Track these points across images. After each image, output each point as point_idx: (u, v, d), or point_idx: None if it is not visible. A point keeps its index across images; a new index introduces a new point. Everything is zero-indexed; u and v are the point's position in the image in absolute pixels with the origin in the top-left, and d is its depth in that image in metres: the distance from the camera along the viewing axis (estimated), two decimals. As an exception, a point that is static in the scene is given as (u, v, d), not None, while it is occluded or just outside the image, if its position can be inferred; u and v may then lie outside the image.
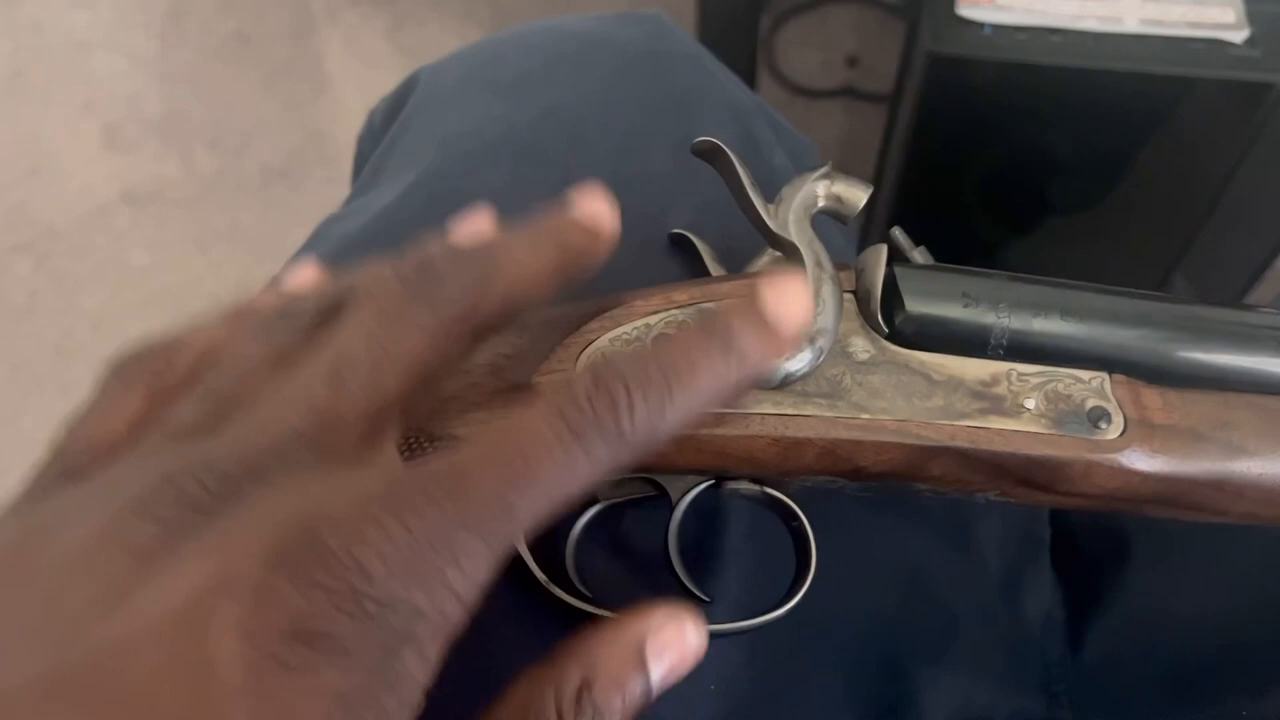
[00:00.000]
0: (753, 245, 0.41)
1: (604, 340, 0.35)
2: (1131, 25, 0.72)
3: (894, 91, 0.88)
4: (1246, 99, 0.75)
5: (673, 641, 0.29)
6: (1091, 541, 0.45)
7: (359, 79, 1.58)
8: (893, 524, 0.44)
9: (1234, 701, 0.40)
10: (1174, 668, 0.42)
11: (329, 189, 1.46)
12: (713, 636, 0.36)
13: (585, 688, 0.28)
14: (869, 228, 1.02)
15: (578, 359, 0.35)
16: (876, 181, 0.94)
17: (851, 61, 1.51)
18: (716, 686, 0.38)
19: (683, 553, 0.38)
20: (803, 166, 0.53)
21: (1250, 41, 0.75)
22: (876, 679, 0.42)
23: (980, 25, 0.72)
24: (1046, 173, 0.87)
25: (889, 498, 0.43)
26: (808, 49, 1.54)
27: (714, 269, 0.42)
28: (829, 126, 1.49)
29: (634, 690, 0.28)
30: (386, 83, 1.63)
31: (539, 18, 0.52)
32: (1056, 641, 0.43)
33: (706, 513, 0.39)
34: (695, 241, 0.42)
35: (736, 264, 0.41)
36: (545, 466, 0.23)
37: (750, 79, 1.13)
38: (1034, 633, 0.43)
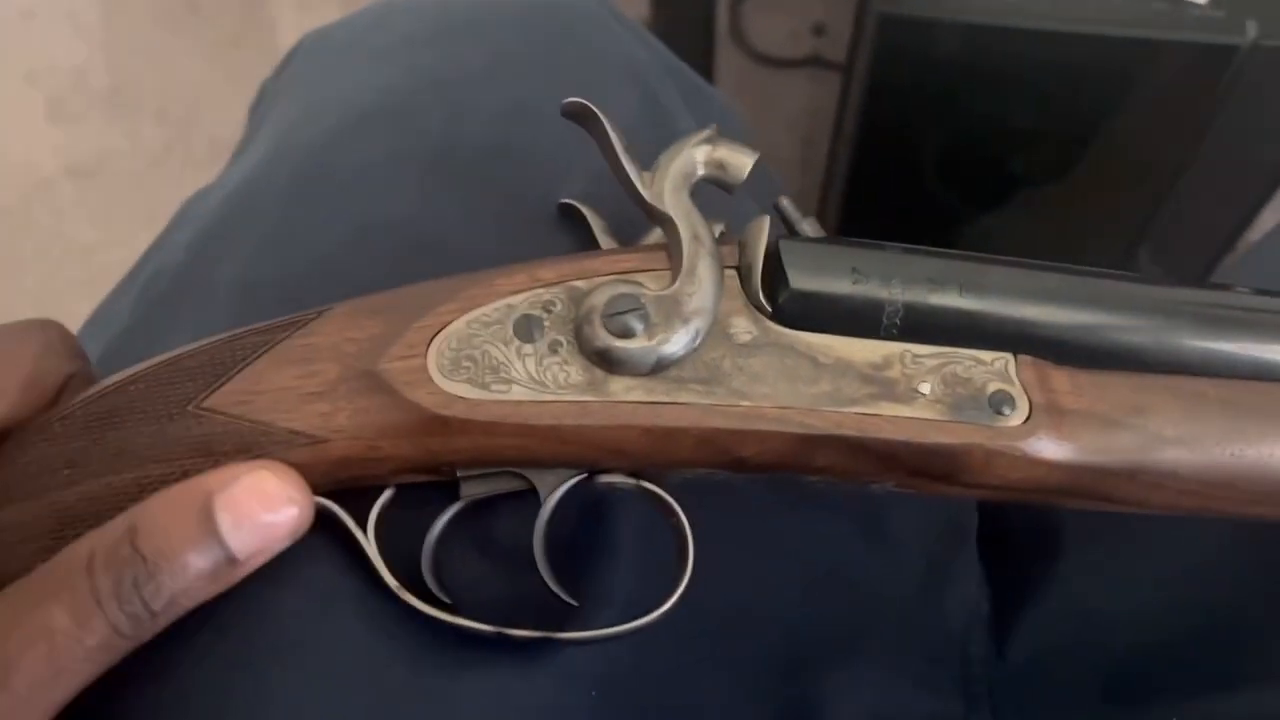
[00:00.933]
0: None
1: (460, 323, 0.32)
2: (1089, -16, 0.69)
3: (847, 58, 0.84)
4: (1211, 62, 0.72)
5: (250, 496, 0.29)
6: (1022, 532, 0.42)
7: (313, 49, 1.54)
8: (802, 513, 0.41)
9: (1164, 704, 0.38)
10: (1104, 668, 0.39)
11: (281, 162, 1.42)
12: (592, 643, 0.34)
13: (130, 535, 0.27)
14: (825, 201, 0.98)
15: (430, 344, 0.32)
16: (831, 152, 0.90)
17: (818, 30, 1.47)
18: (599, 693, 0.35)
19: (566, 550, 0.35)
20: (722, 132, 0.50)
21: (1214, 3, 0.72)
22: (780, 679, 0.39)
23: (930, -16, 0.69)
24: (1007, 142, 0.84)
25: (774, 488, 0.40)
26: (774, 17, 1.50)
27: (605, 242, 0.38)
28: (796, 96, 1.45)
29: (198, 547, 0.27)
30: (336, 52, 1.56)
31: None
32: (980, 639, 0.40)
33: (591, 505, 0.36)
34: (585, 212, 0.39)
35: (633, 236, 0.38)
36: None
37: (709, 49, 1.09)
38: (956, 630, 0.41)
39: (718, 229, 0.35)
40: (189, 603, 0.28)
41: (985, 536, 0.42)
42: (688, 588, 0.33)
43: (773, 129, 1.44)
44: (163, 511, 0.28)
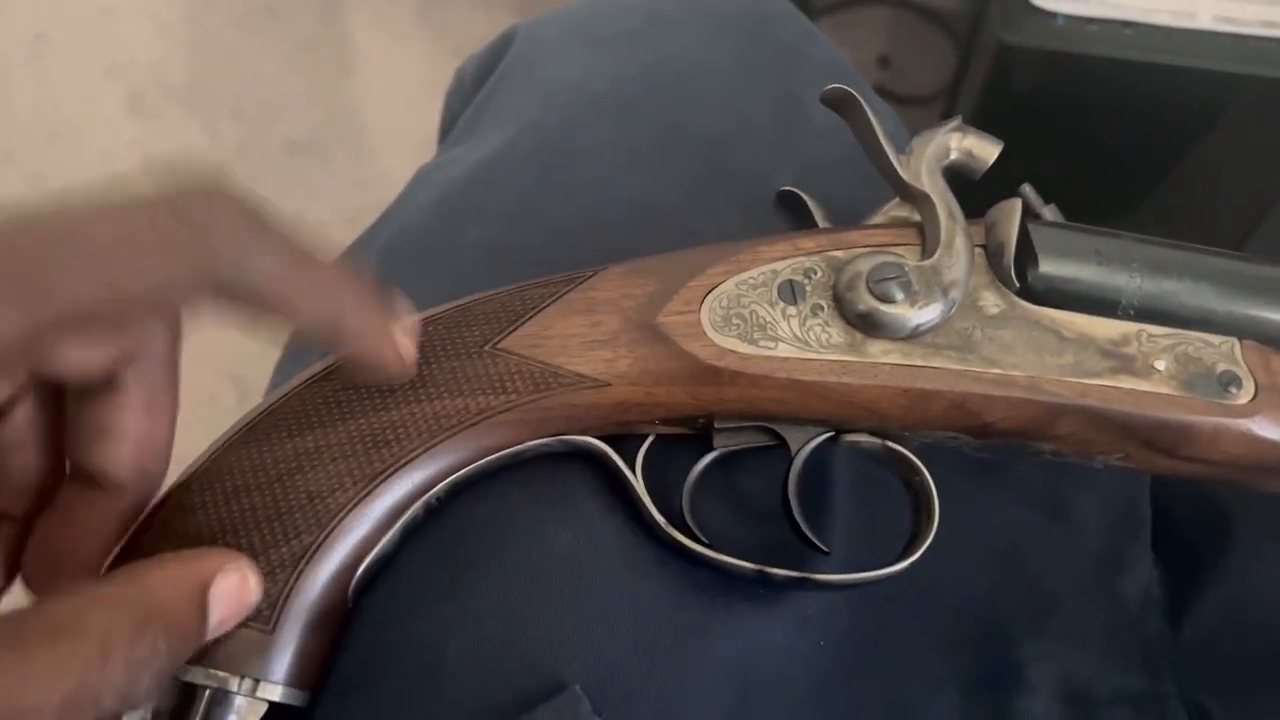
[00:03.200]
0: (859, 204, 0.40)
1: (729, 284, 0.35)
2: (1205, 21, 0.72)
3: (951, 86, 0.87)
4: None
5: (235, 590, 0.28)
6: (1191, 522, 0.44)
7: (387, 56, 1.57)
8: (991, 496, 0.43)
9: None
10: (1271, 653, 0.41)
11: (352, 165, 1.45)
12: (844, 587, 0.35)
13: (148, 627, 0.25)
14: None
15: (703, 301, 0.34)
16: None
17: (883, 62, 1.51)
18: (826, 642, 0.38)
19: (802, 510, 0.37)
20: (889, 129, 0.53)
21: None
22: (978, 647, 0.41)
23: (1053, 15, 0.72)
24: (1110, 166, 0.87)
25: (992, 466, 0.43)
26: (839, 49, 1.54)
27: (823, 224, 0.41)
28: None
29: (190, 632, 0.27)
30: (414, 61, 1.62)
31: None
32: (1155, 620, 0.43)
33: (813, 467, 0.39)
34: (805, 199, 0.41)
35: (844, 222, 0.41)
36: None
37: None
38: (1132, 610, 0.43)
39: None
40: None
41: (1156, 526, 0.44)
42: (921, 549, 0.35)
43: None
44: (173, 600, 0.26)
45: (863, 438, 0.36)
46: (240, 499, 0.31)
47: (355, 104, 1.51)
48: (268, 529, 0.31)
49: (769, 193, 0.43)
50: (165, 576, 0.27)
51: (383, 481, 0.32)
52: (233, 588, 0.28)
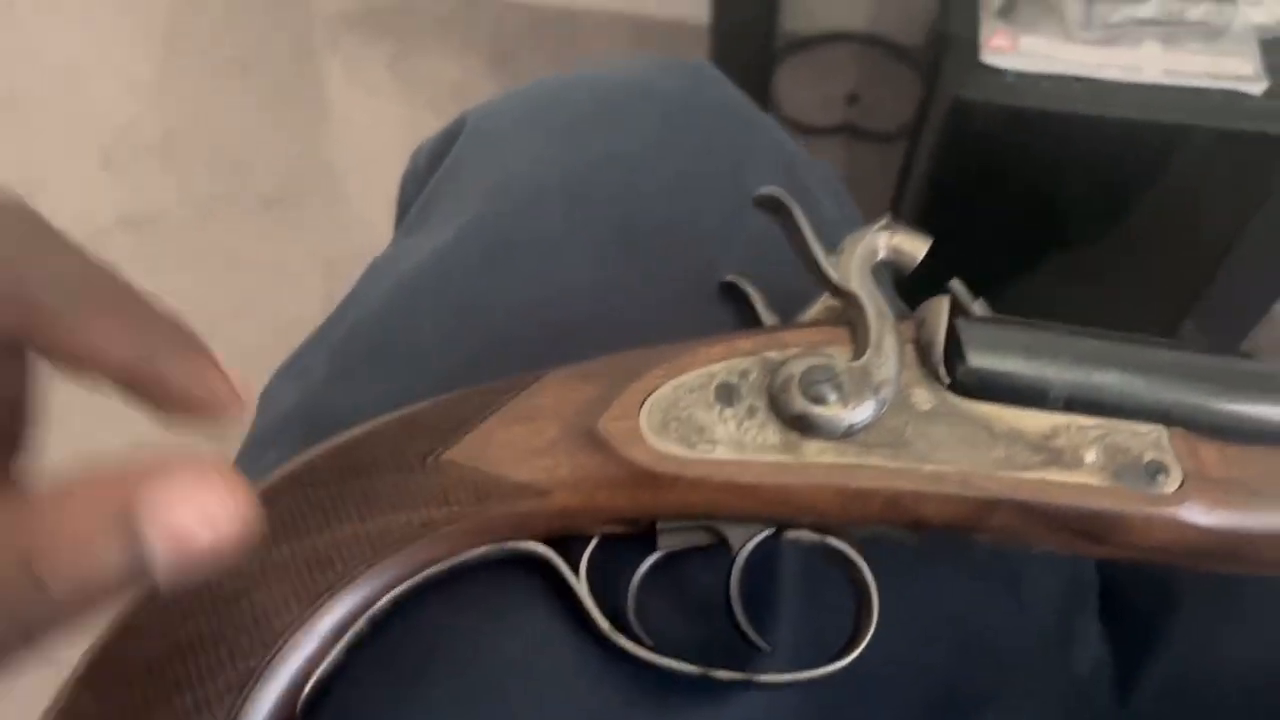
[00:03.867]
0: (801, 292, 0.41)
1: (668, 388, 0.35)
2: (1152, 75, 0.73)
3: (912, 132, 0.89)
4: (1263, 151, 0.76)
5: (187, 498, 0.21)
6: (1139, 589, 0.45)
7: (360, 106, 1.58)
8: (944, 574, 0.44)
9: None
10: (1223, 715, 0.42)
11: (328, 215, 1.46)
12: (768, 688, 0.36)
13: (24, 559, 0.20)
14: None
15: (641, 406, 0.35)
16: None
17: (851, 99, 1.53)
18: None
19: (747, 603, 0.38)
20: (841, 210, 0.54)
21: (1269, 93, 0.76)
22: None
23: (1003, 72, 0.73)
24: (1062, 216, 0.88)
25: (940, 547, 0.43)
26: (808, 86, 1.56)
27: (766, 316, 0.42)
28: (832, 162, 1.50)
29: (99, 557, 0.20)
30: (387, 111, 1.63)
31: (540, 49, 0.53)
32: (1104, 691, 0.43)
33: (759, 561, 0.39)
34: (747, 289, 0.42)
35: (786, 311, 0.42)
36: None
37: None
38: (1084, 683, 0.43)
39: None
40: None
41: (1103, 594, 0.45)
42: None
43: (808, 195, 1.48)
44: (69, 527, 0.20)
45: (804, 534, 0.36)
46: (188, 623, 0.32)
47: (329, 155, 1.53)
48: (214, 653, 0.31)
49: (714, 284, 0.44)
50: (57, 502, 0.21)
51: (327, 600, 0.32)
52: (183, 494, 0.21)
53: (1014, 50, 0.73)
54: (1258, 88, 0.75)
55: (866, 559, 0.37)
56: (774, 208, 0.38)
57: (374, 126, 1.55)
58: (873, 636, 0.37)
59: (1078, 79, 0.73)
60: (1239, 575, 0.39)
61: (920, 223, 0.88)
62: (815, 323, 0.38)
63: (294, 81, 1.60)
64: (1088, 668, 0.43)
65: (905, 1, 1.52)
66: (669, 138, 0.47)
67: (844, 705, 0.41)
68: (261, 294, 1.33)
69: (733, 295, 0.43)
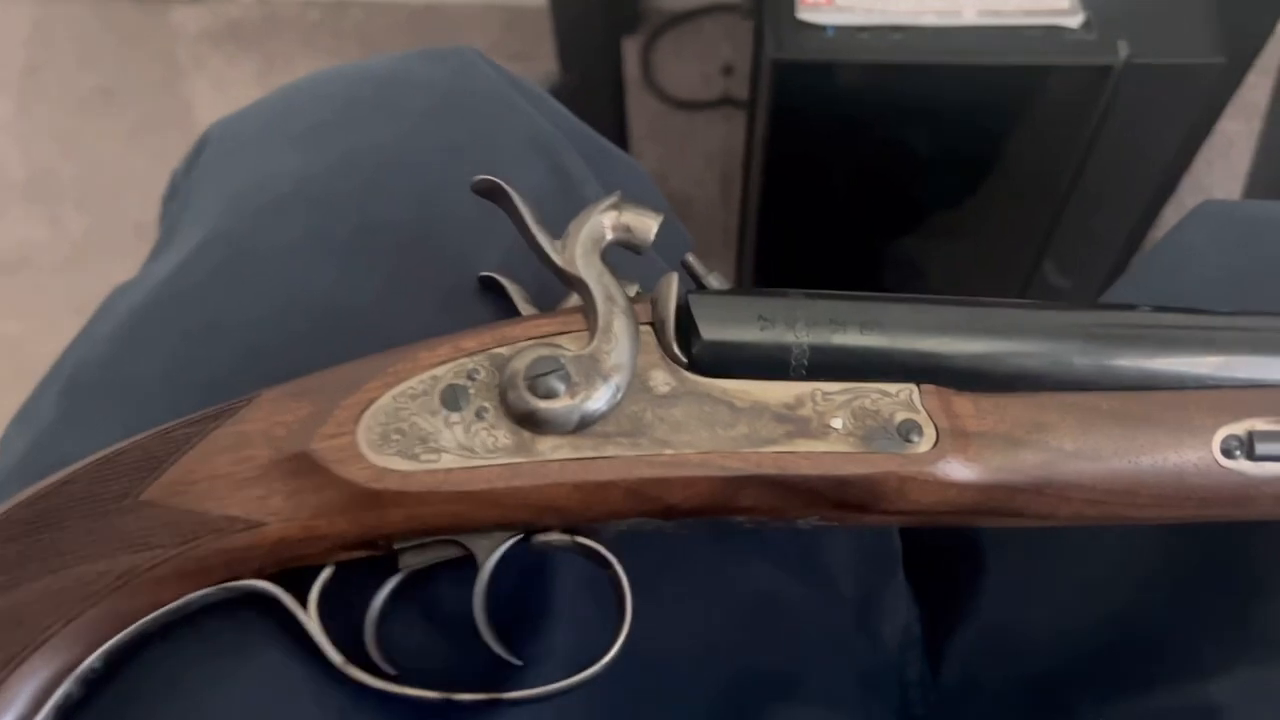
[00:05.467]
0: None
1: (387, 398, 0.33)
2: (970, 18, 0.72)
3: (749, 101, 0.87)
4: (1088, 83, 0.76)
5: None
6: (945, 550, 0.44)
7: (231, 125, 1.54)
8: (738, 553, 0.42)
9: (1090, 709, 0.39)
10: (1032, 679, 0.41)
11: (206, 240, 1.42)
12: (537, 700, 0.34)
13: None
14: (744, 236, 1.01)
15: (358, 421, 0.33)
16: (743, 191, 0.93)
17: (727, 70, 1.52)
18: None
19: (509, 610, 0.36)
20: (628, 192, 0.52)
21: (1086, 26, 0.76)
22: (733, 715, 0.40)
23: (821, 28, 0.72)
24: (910, 171, 0.87)
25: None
26: (684, 62, 1.54)
27: (525, 310, 0.40)
28: (711, 136, 1.49)
29: None
30: (254, 127, 1.56)
31: (410, 48, 0.50)
32: (915, 663, 0.42)
33: (532, 565, 0.37)
34: (504, 283, 0.40)
35: (553, 302, 0.40)
36: None
37: (619, 99, 1.12)
38: (891, 654, 0.42)
39: (632, 289, 0.37)
40: None
41: (910, 558, 0.44)
42: (631, 637, 0.34)
43: (693, 168, 1.47)
44: None
45: (553, 536, 0.35)
46: None
47: (202, 177, 1.48)
48: None
49: (474, 280, 0.41)
50: None
51: (19, 665, 0.30)
52: None
53: (830, 5, 0.72)
54: (1074, 20, 0.75)
55: (654, 541, 0.36)
56: (492, 194, 0.36)
57: (247, 144, 1.51)
58: (660, 626, 0.35)
59: (896, 28, 0.72)
60: (1037, 529, 0.37)
61: (766, 194, 0.87)
62: (550, 314, 0.36)
63: (161, 106, 1.55)
64: (897, 640, 0.42)
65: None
66: (423, 130, 0.45)
67: (638, 702, 0.39)
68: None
69: (494, 292, 0.41)
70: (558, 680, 0.34)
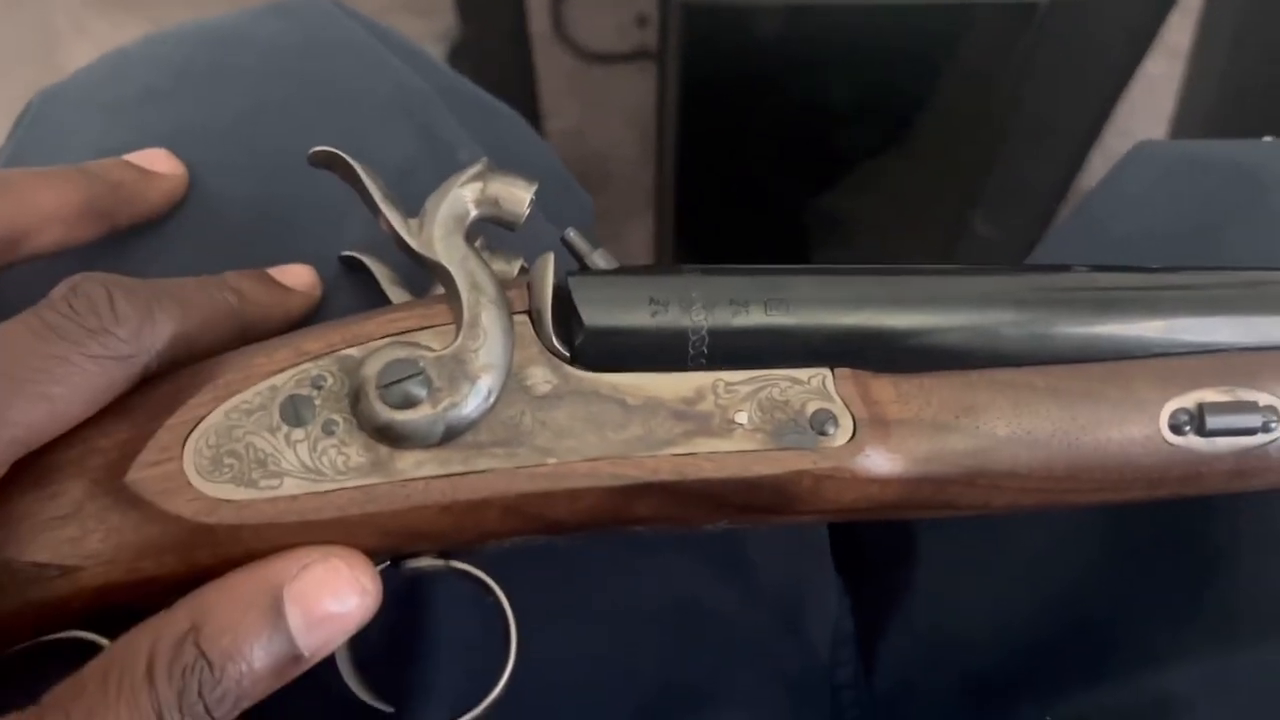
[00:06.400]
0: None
1: (218, 415, 0.28)
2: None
3: (658, 51, 0.82)
4: (1012, 22, 0.72)
5: (321, 589, 0.26)
6: (876, 540, 0.40)
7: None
8: (651, 553, 0.38)
9: (1034, 704, 0.36)
10: (972, 675, 0.38)
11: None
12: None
13: (192, 633, 0.25)
14: (660, 205, 0.96)
15: (184, 444, 0.28)
16: (659, 148, 0.88)
17: (642, 21, 1.46)
18: None
19: (383, 645, 0.32)
20: (512, 153, 0.47)
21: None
22: None
23: (726, -29, 0.67)
24: (833, 122, 0.83)
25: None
26: (597, 13, 1.48)
27: (395, 295, 0.35)
28: (629, 90, 1.43)
29: (266, 647, 0.25)
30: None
31: None
32: (847, 662, 0.38)
33: (402, 591, 0.33)
34: (368, 263, 0.35)
35: (425, 283, 0.35)
36: None
37: (525, 53, 1.06)
38: (822, 656, 0.38)
39: (515, 266, 0.33)
40: (247, 704, 0.26)
41: (840, 548, 0.40)
42: (530, 659, 0.30)
43: (610, 125, 1.42)
44: (227, 607, 0.26)
45: (424, 562, 0.30)
46: None
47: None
48: None
49: (333, 264, 0.36)
50: (224, 582, 0.26)
51: None
52: (318, 580, 0.26)
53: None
54: (995, -43, 0.71)
55: (553, 552, 0.32)
56: (331, 165, 0.31)
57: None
58: (569, 642, 0.32)
59: (801, -32, 0.67)
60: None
61: (684, 151, 0.82)
62: (410, 305, 0.31)
63: (41, 74, 1.45)
64: (827, 640, 0.38)
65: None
66: (266, 96, 0.39)
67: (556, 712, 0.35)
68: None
69: (359, 277, 0.36)
70: (449, 714, 0.30)
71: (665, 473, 0.29)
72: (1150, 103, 1.28)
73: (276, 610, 0.26)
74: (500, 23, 0.95)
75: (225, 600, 0.26)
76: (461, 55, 1.15)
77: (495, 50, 0.99)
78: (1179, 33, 1.11)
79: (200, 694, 0.25)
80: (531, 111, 1.18)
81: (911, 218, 0.89)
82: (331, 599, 0.27)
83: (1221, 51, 0.99)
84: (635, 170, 1.34)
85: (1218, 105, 0.99)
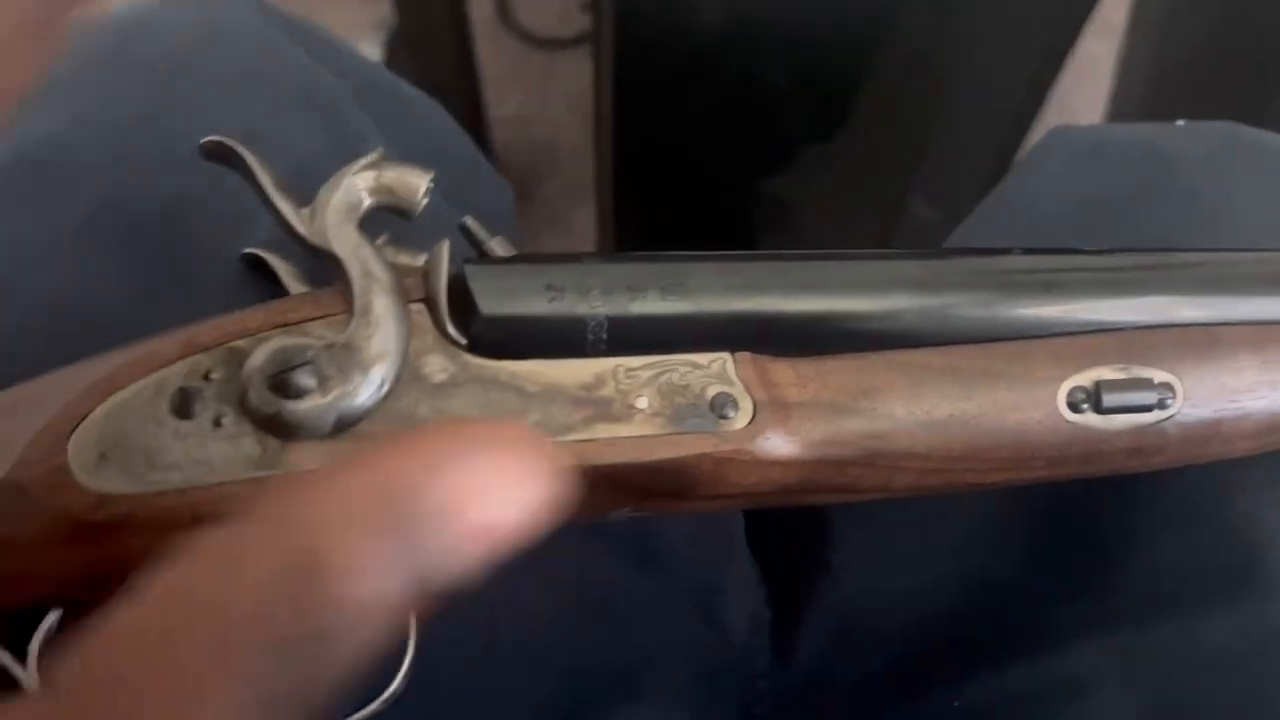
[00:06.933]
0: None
1: (104, 410, 0.28)
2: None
3: (593, 34, 0.82)
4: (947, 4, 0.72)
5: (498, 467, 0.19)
6: (790, 525, 0.40)
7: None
8: (561, 539, 0.38)
9: (945, 688, 0.36)
10: (885, 660, 0.38)
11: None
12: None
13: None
14: (601, 191, 0.96)
15: (70, 437, 0.27)
16: (596, 133, 0.88)
17: (586, 6, 1.45)
18: None
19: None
20: (429, 144, 0.46)
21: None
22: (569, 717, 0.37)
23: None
24: (771, 103, 0.83)
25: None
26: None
27: (296, 290, 0.34)
28: (574, 75, 1.43)
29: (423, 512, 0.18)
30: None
31: None
32: (763, 651, 0.38)
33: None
34: (270, 260, 0.35)
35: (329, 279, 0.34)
36: None
37: (464, 41, 1.05)
38: (738, 645, 0.38)
39: (420, 257, 0.32)
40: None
41: (754, 532, 0.40)
42: (427, 656, 0.30)
43: (555, 111, 1.41)
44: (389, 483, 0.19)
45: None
46: None
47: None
48: None
49: (238, 262, 0.36)
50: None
51: None
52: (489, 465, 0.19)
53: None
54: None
55: None
56: (223, 157, 0.30)
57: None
58: (468, 634, 0.31)
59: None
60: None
61: (620, 137, 0.81)
62: (302, 295, 0.31)
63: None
64: (744, 626, 0.38)
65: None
66: (165, 90, 0.38)
67: (457, 702, 0.35)
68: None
69: (264, 276, 0.36)
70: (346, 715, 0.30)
71: (565, 458, 0.29)
72: (1092, 82, 1.29)
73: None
74: (438, 9, 0.94)
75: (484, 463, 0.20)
76: (400, 44, 1.14)
77: (434, 37, 0.98)
78: (1118, 10, 1.12)
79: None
80: (474, 99, 1.17)
81: (852, 200, 0.90)
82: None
83: (1154, 29, 1.00)
84: (582, 156, 1.34)
85: (1153, 83, 1.00)
